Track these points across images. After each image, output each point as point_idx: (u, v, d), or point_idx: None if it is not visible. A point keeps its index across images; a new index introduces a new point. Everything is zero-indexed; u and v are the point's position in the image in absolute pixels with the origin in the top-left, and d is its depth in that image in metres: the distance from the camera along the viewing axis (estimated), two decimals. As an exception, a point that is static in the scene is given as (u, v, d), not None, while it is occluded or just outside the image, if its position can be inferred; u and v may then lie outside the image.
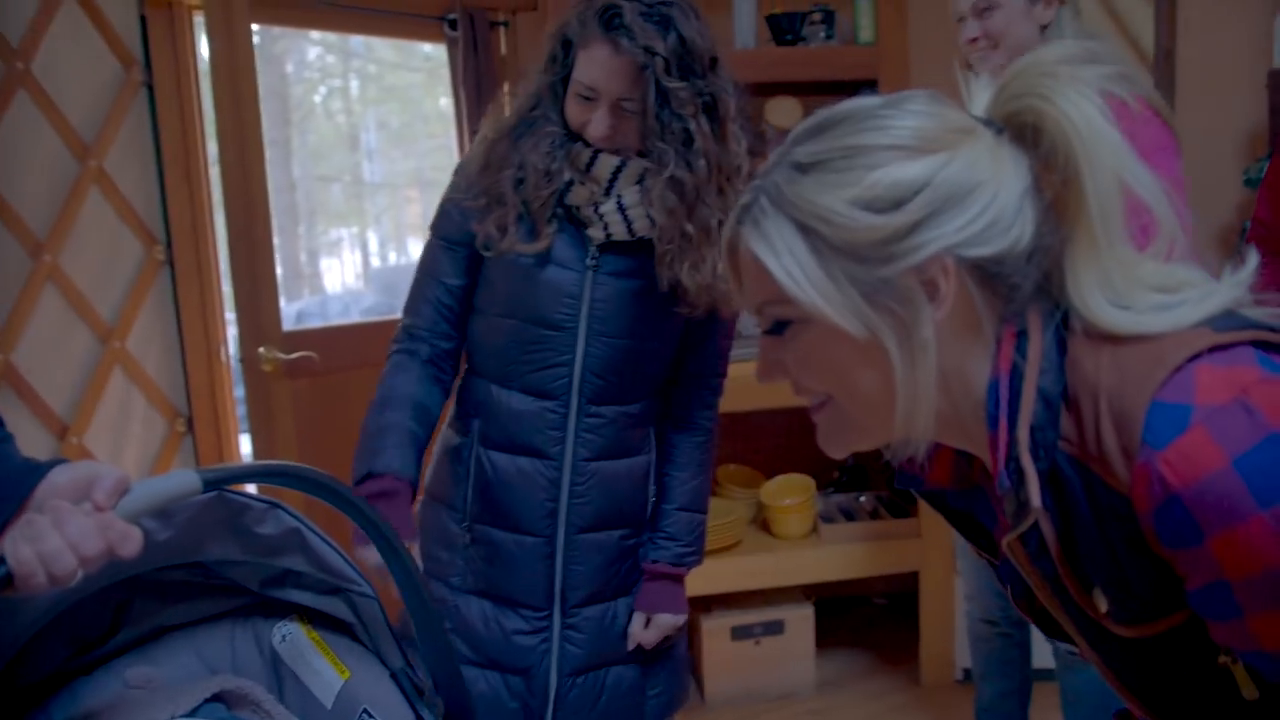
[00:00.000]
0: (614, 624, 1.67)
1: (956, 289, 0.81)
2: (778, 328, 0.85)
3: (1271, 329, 0.79)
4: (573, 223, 1.56)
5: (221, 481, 0.95)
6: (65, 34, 2.49)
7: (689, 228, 1.48)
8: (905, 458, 0.92)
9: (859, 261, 0.80)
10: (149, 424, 2.71)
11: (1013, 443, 0.81)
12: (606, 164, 1.50)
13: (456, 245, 1.61)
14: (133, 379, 2.66)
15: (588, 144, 1.50)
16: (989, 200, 0.80)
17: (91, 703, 1.09)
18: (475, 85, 2.86)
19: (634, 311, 1.57)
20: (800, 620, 2.97)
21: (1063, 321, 0.82)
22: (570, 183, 1.52)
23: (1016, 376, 0.81)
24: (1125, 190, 0.80)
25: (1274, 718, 0.81)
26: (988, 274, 0.81)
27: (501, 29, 2.97)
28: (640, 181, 1.51)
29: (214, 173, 2.73)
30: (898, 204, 0.79)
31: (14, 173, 2.45)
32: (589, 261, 1.55)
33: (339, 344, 2.91)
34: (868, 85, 2.85)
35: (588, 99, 1.47)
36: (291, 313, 7.53)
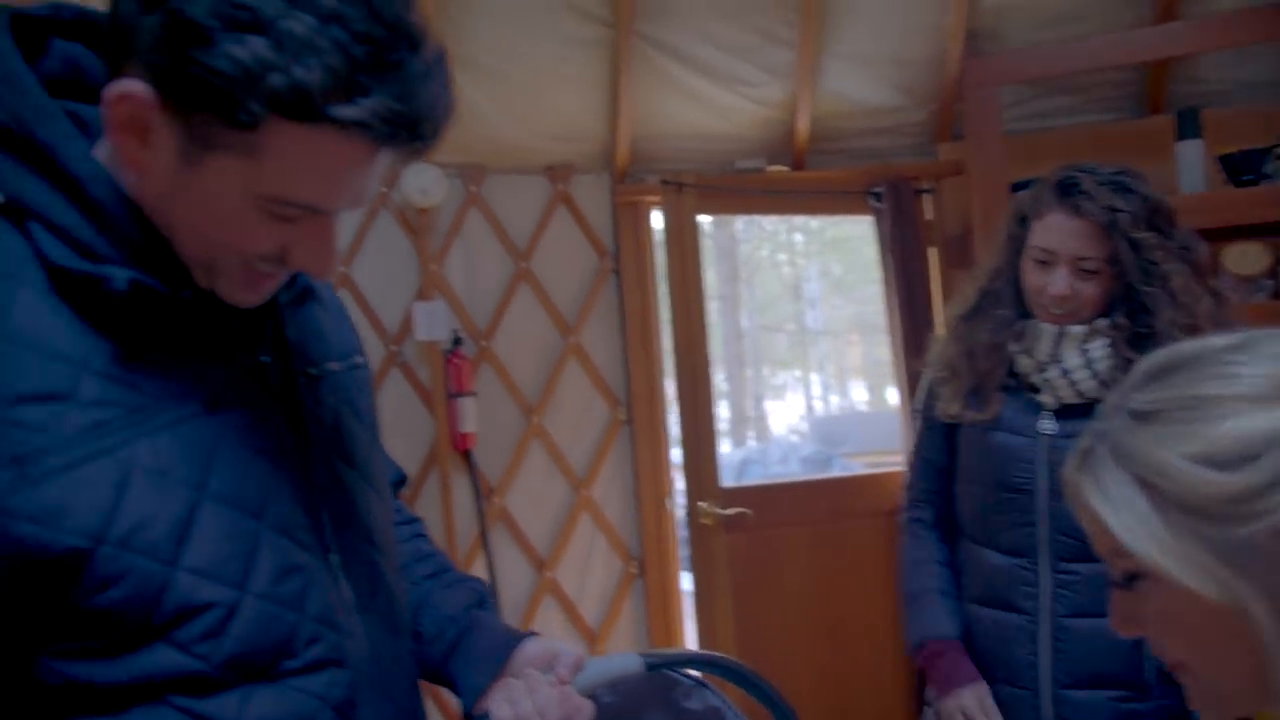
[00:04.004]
0: None
1: None
2: (1127, 581, 0.80)
3: None
4: (1026, 390, 1.65)
5: (660, 665, 1.12)
6: (556, 233, 3.03)
7: None
8: None
9: (1209, 520, 0.73)
10: (608, 564, 3.07)
11: None
12: (1046, 335, 1.62)
13: (934, 424, 1.77)
14: (597, 524, 3.05)
15: (1030, 316, 1.64)
16: None
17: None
18: (900, 250, 2.97)
19: None
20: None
21: None
22: (1015, 355, 1.65)
23: None
24: None
25: None
26: None
27: (925, 195, 3.07)
28: (1084, 345, 1.60)
29: (666, 343, 3.10)
30: (1246, 459, 0.72)
31: (514, 350, 3.00)
32: (1041, 426, 1.63)
33: (774, 502, 3.10)
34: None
35: (1044, 263, 1.60)
36: (736, 459, 8.01)
